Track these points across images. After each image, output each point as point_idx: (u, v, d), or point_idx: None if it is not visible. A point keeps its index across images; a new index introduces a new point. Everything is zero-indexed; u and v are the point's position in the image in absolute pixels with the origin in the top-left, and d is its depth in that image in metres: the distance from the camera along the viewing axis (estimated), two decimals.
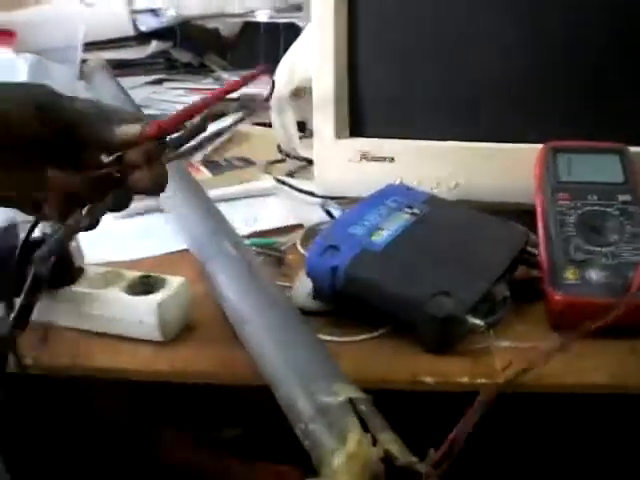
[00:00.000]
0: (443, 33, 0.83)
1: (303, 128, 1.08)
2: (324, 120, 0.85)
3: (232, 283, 0.67)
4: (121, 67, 1.37)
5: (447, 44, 0.82)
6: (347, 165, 0.85)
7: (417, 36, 0.83)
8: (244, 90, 1.31)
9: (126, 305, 0.66)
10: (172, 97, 1.30)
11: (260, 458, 0.88)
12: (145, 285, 0.68)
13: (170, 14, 1.39)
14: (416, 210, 0.74)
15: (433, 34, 0.83)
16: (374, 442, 0.49)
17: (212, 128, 1.18)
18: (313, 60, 0.85)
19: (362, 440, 0.48)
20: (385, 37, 0.84)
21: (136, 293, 0.67)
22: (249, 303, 0.64)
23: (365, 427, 0.50)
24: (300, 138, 1.05)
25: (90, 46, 1.37)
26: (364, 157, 0.84)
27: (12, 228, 0.70)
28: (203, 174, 0.97)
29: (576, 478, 0.87)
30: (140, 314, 0.66)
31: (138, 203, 0.90)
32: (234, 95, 1.31)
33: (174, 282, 0.68)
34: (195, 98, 1.31)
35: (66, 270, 0.67)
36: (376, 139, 0.85)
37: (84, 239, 0.85)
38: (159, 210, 0.89)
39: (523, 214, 0.77)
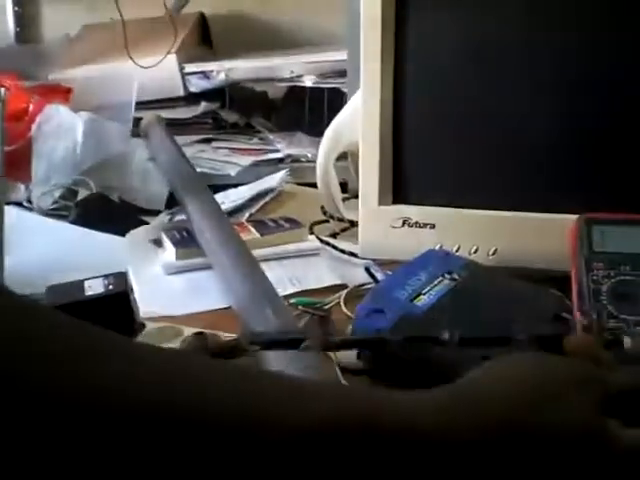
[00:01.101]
0: (485, 107, 0.87)
1: (345, 189, 1.13)
2: (369, 187, 0.89)
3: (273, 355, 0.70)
4: (171, 126, 1.43)
5: (488, 118, 0.87)
6: (389, 230, 0.89)
7: (461, 108, 0.88)
8: (288, 151, 1.38)
9: None
10: (219, 156, 1.36)
11: None
12: (201, 340, 0.71)
13: (220, 77, 1.45)
14: (455, 275, 0.78)
15: (475, 106, 0.88)
16: None
17: (258, 187, 1.23)
18: (359, 128, 0.90)
19: None
20: (429, 107, 0.89)
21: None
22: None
23: None
24: (343, 200, 1.09)
25: (142, 105, 1.43)
26: (406, 223, 0.89)
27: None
28: (251, 233, 1.01)
29: None
30: None
31: (187, 260, 0.96)
32: (279, 155, 1.38)
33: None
34: (241, 157, 1.37)
35: (129, 325, 0.71)
36: (417, 206, 0.89)
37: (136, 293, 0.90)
38: (209, 267, 0.93)
39: (558, 280, 0.81)
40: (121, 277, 0.74)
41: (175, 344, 0.72)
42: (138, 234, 1.06)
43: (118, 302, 0.72)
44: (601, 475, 0.44)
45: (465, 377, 0.48)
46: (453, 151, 0.89)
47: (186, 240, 0.98)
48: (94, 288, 0.72)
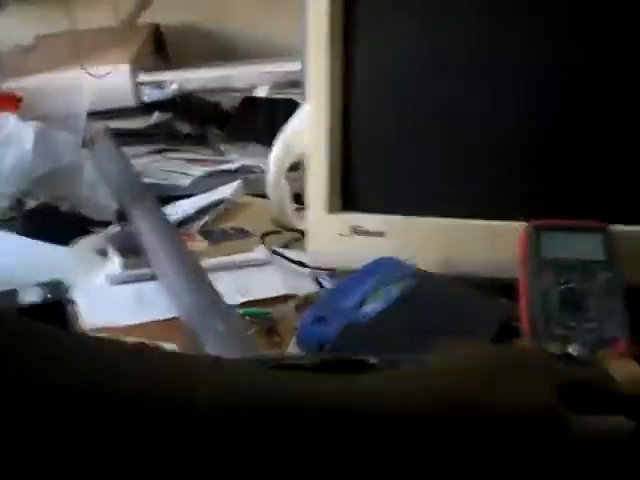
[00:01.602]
0: (435, 114, 0.86)
1: (300, 200, 1.11)
2: (317, 194, 0.88)
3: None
4: (123, 136, 1.40)
5: (437, 126, 0.86)
6: (338, 238, 0.88)
7: (409, 117, 0.87)
8: (242, 162, 1.36)
9: None
10: (171, 167, 1.34)
11: None
12: None
13: (173, 87, 1.43)
14: (404, 284, 0.77)
15: (426, 115, 0.87)
16: None
17: (211, 198, 1.21)
18: (307, 136, 0.88)
19: None
20: (379, 115, 0.88)
21: None
22: None
23: None
24: (297, 210, 1.08)
25: (94, 115, 1.41)
26: (355, 231, 0.87)
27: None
28: (199, 244, 0.99)
29: None
30: None
31: (132, 271, 0.94)
32: (232, 166, 1.36)
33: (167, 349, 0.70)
34: (194, 168, 1.35)
35: None
36: (367, 214, 0.88)
37: (79, 303, 0.87)
38: (154, 277, 0.91)
39: (508, 288, 0.80)
40: (58, 286, 0.72)
41: None
42: (84, 244, 1.04)
43: (53, 311, 0.70)
44: (553, 458, 0.43)
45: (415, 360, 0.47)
46: (403, 159, 0.88)
47: (132, 250, 0.96)
48: (30, 296, 0.70)
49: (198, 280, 0.83)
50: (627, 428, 0.46)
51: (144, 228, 0.98)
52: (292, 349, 0.73)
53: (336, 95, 0.87)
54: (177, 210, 1.18)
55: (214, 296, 0.80)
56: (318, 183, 0.88)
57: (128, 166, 1.22)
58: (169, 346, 0.70)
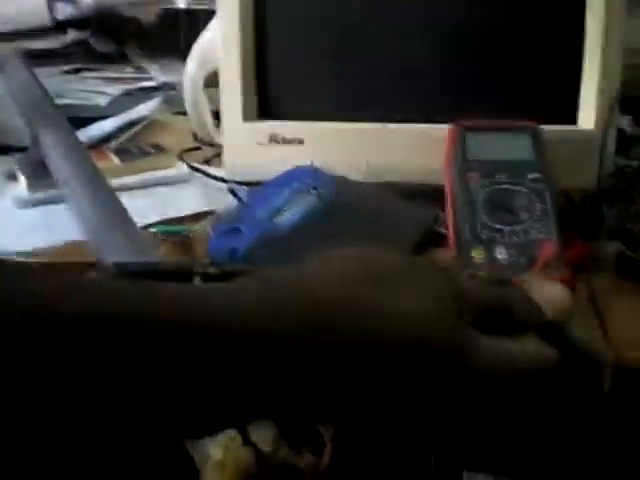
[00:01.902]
0: (353, 18, 0.81)
1: (220, 116, 1.06)
2: (232, 102, 0.82)
3: None
4: (38, 57, 1.33)
5: (353, 27, 0.81)
6: (256, 148, 0.83)
7: (323, 20, 0.82)
8: (163, 79, 1.29)
9: None
10: (88, 86, 1.27)
11: None
12: None
13: (87, 2, 1.35)
14: (323, 192, 0.72)
15: (339, 17, 0.82)
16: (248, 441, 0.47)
17: (129, 117, 1.15)
18: (219, 41, 0.82)
19: (230, 445, 0.46)
20: (292, 19, 0.83)
21: None
22: None
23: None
24: (218, 126, 1.02)
25: (6, 36, 1.33)
26: (273, 139, 0.82)
27: None
28: (112, 161, 0.93)
29: None
30: None
31: (40, 193, 0.89)
32: (153, 83, 1.29)
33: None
34: (112, 87, 1.28)
35: None
36: (285, 121, 0.83)
37: None
38: (62, 199, 0.86)
39: (434, 195, 0.76)
40: None
41: None
42: None
43: None
44: (451, 380, 0.39)
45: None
46: (322, 61, 0.83)
47: (39, 172, 0.91)
48: None
49: (103, 198, 0.77)
50: (548, 355, 0.42)
51: (52, 149, 0.92)
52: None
53: (247, 1, 0.81)
54: (94, 130, 1.11)
55: (119, 214, 0.75)
56: (232, 91, 0.82)
57: (37, 87, 1.14)
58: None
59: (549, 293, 0.44)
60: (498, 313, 0.42)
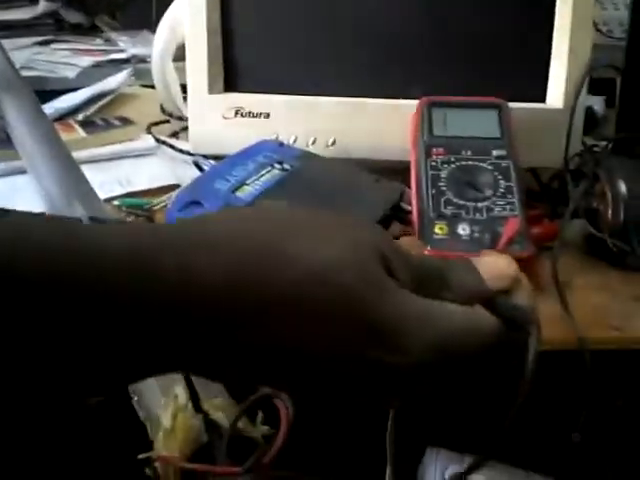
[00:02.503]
0: None
1: None
2: (197, 75, 0.81)
3: None
4: (8, 28, 1.31)
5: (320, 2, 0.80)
6: (222, 122, 0.81)
7: None
8: (133, 51, 1.27)
9: None
10: (57, 58, 1.25)
11: None
12: None
13: None
14: (286, 166, 0.71)
15: None
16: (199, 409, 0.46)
17: (96, 89, 1.13)
18: (186, 13, 0.81)
19: (179, 413, 0.45)
20: None
21: None
22: None
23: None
24: (185, 100, 1.01)
25: None
26: (239, 113, 0.81)
27: None
28: (77, 133, 0.92)
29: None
30: None
31: (2, 164, 0.87)
32: (123, 56, 1.27)
33: None
34: (82, 59, 1.26)
35: None
36: (250, 94, 0.81)
37: None
38: (24, 171, 0.84)
39: (401, 172, 0.75)
40: None
41: None
42: None
43: None
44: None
45: None
46: (289, 33, 0.81)
47: (2, 142, 0.89)
48: None
49: (63, 168, 0.76)
50: (487, 321, 0.41)
51: (13, 119, 0.90)
52: None
53: None
54: (62, 102, 1.10)
55: (79, 183, 0.73)
56: (198, 63, 0.81)
57: (3, 58, 1.12)
58: None
59: (492, 264, 0.44)
60: (436, 280, 0.41)
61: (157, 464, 0.47)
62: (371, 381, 0.38)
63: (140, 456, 0.49)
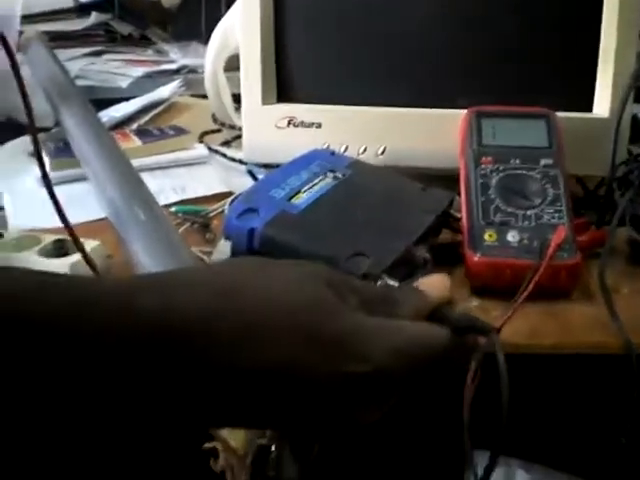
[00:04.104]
0: (367, 1, 0.82)
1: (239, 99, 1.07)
2: (251, 86, 0.84)
3: (141, 248, 0.66)
4: (60, 39, 1.35)
5: (371, 12, 0.82)
6: (275, 131, 0.84)
7: (342, 4, 0.83)
8: (184, 61, 1.31)
9: (39, 268, 0.65)
10: (110, 68, 1.29)
11: None
12: (60, 249, 0.67)
13: None
14: (339, 174, 0.73)
15: (359, 1, 0.83)
16: None
17: (150, 98, 1.17)
18: (240, 25, 0.84)
19: None
20: (311, 5, 0.84)
21: (51, 256, 0.66)
22: (158, 268, 0.63)
23: None
24: (236, 109, 1.04)
25: (30, 18, 1.34)
26: (291, 123, 0.83)
27: None
28: (133, 142, 0.95)
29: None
30: None
31: (62, 172, 0.90)
32: (174, 66, 1.31)
33: (88, 246, 0.66)
34: (134, 69, 1.29)
35: None
36: (303, 105, 0.84)
37: (9, 206, 0.84)
38: (84, 178, 0.87)
39: (451, 180, 0.77)
40: None
41: (33, 252, 0.67)
42: (15, 146, 1.00)
43: None
44: None
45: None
46: (340, 46, 0.84)
47: (62, 151, 0.93)
48: None
49: (124, 175, 0.79)
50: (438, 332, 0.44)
51: (73, 129, 0.93)
52: (221, 244, 0.70)
53: None
54: (116, 111, 1.13)
55: (139, 190, 0.76)
56: (252, 74, 0.83)
57: (59, 69, 1.16)
58: (92, 243, 0.67)
59: (429, 282, 0.49)
60: (383, 301, 0.45)
61: (222, 455, 0.49)
62: (340, 394, 0.40)
63: (205, 446, 0.51)
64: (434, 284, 0.49)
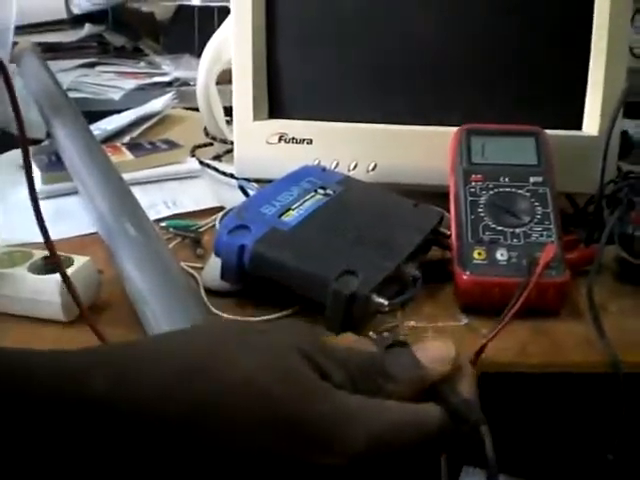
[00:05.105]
0: (360, 17, 0.83)
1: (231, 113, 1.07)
2: (243, 101, 0.84)
3: (131, 263, 0.66)
4: (53, 50, 1.35)
5: (364, 28, 0.83)
6: (266, 147, 0.84)
7: (335, 21, 0.84)
8: (176, 74, 1.31)
9: (29, 284, 0.65)
10: (102, 81, 1.29)
11: None
12: (49, 265, 0.66)
13: None
14: (329, 191, 0.74)
15: (352, 19, 0.83)
16: None
17: (142, 111, 1.17)
18: (232, 41, 0.84)
19: None
20: (303, 21, 0.84)
21: (41, 272, 0.66)
22: (147, 284, 0.63)
23: None
24: (229, 123, 1.04)
25: (23, 29, 1.34)
26: (282, 139, 0.84)
27: None
28: (125, 156, 0.95)
29: None
30: (43, 293, 0.65)
31: (52, 185, 0.90)
32: (166, 79, 1.31)
33: (79, 261, 0.66)
34: (126, 81, 1.29)
35: None
36: (294, 120, 0.84)
37: (0, 220, 0.84)
38: (76, 192, 0.88)
39: (441, 197, 0.78)
40: None
41: (24, 267, 0.67)
42: (9, 159, 1.00)
43: None
44: None
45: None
46: (332, 62, 0.84)
47: (54, 165, 0.93)
48: None
49: (114, 190, 0.79)
50: (429, 413, 0.40)
51: (65, 142, 0.93)
52: (212, 260, 0.70)
53: (260, 1, 0.83)
54: (107, 124, 1.13)
55: (130, 205, 0.76)
56: (244, 90, 0.84)
57: (51, 81, 1.16)
58: (82, 258, 0.67)
59: (433, 349, 0.43)
60: (372, 372, 0.41)
61: None
62: None
63: None
64: (436, 355, 0.43)
